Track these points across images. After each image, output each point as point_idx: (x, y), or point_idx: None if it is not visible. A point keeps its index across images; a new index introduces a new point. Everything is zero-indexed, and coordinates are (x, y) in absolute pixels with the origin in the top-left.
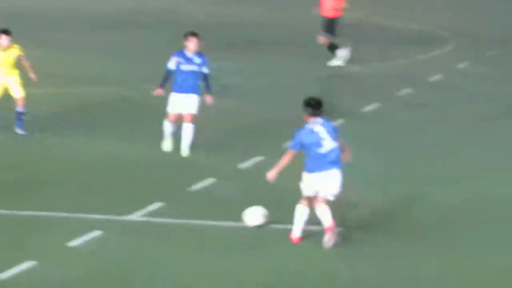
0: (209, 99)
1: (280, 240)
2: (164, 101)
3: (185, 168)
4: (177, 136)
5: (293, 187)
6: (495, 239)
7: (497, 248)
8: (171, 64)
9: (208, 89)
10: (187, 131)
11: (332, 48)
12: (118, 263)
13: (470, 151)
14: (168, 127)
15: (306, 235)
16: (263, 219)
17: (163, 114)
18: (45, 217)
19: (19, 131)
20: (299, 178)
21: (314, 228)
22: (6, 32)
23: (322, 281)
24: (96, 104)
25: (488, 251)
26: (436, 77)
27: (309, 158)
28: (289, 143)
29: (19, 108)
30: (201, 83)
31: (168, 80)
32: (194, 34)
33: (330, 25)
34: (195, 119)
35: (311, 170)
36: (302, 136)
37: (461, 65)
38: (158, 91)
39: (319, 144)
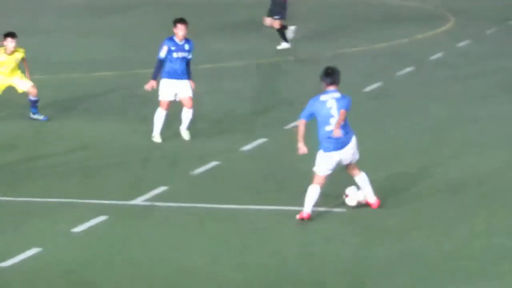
0: (191, 84)
1: (283, 222)
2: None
3: (188, 152)
4: (171, 121)
5: (295, 169)
6: (500, 216)
7: (506, 227)
8: (163, 53)
9: (189, 74)
10: (188, 115)
11: (283, 31)
12: (123, 248)
13: (470, 129)
14: (161, 116)
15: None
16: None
17: None
18: (49, 204)
19: (37, 116)
20: (301, 160)
21: (316, 209)
22: (12, 35)
23: (325, 262)
24: (95, 89)
25: (494, 227)
26: (436, 56)
27: (320, 136)
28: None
29: (32, 97)
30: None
31: (160, 71)
32: (182, 21)
33: (282, 8)
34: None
35: (327, 149)
36: (314, 105)
37: (461, 44)
38: (152, 84)
39: (326, 122)
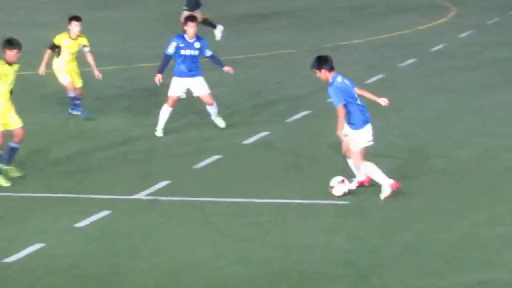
0: (227, 69)
1: (286, 215)
2: (166, 79)
3: (191, 145)
4: (173, 115)
5: (298, 162)
6: (503, 205)
7: (508, 216)
8: (170, 49)
9: (221, 64)
10: (213, 109)
11: (207, 23)
12: (126, 242)
13: (473, 119)
14: (166, 113)
15: (309, 209)
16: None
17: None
18: (52, 199)
19: (75, 112)
20: (303, 154)
21: (318, 202)
22: (77, 18)
23: (328, 254)
24: (99, 83)
25: (497, 217)
26: (438, 47)
27: (352, 114)
28: (335, 103)
29: (71, 93)
30: (211, 64)
31: (167, 65)
32: (192, 19)
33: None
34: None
35: (360, 126)
36: (341, 87)
37: (463, 34)
38: (158, 77)
39: (355, 96)
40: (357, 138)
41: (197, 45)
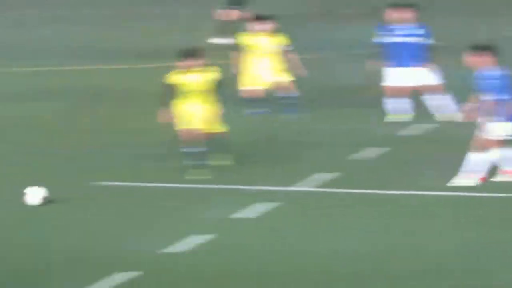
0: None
1: (458, 206)
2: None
3: (356, 137)
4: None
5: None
6: None
7: None
8: (379, 38)
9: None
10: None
11: None
12: (284, 234)
13: None
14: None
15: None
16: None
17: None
18: (207, 190)
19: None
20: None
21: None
22: (260, 18)
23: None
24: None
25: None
26: None
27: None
28: None
29: (284, 92)
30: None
31: (380, 53)
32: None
33: None
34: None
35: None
36: None
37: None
38: (371, 64)
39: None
40: (494, 128)
41: (412, 31)
